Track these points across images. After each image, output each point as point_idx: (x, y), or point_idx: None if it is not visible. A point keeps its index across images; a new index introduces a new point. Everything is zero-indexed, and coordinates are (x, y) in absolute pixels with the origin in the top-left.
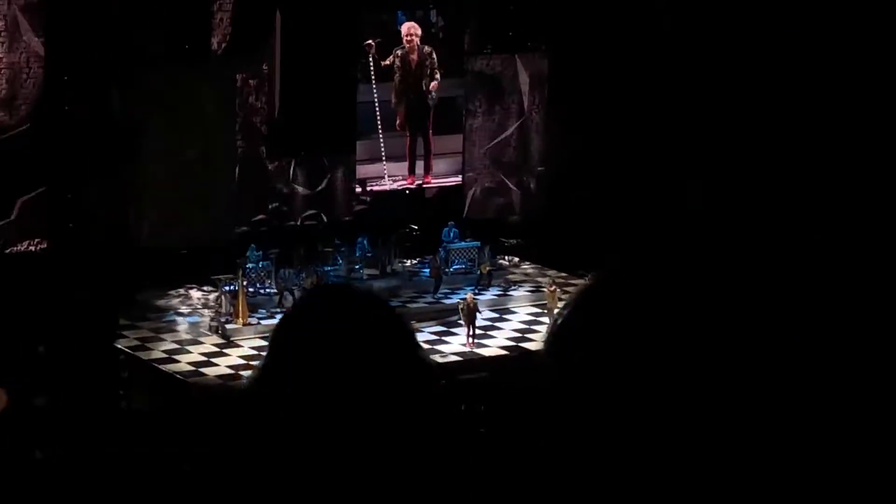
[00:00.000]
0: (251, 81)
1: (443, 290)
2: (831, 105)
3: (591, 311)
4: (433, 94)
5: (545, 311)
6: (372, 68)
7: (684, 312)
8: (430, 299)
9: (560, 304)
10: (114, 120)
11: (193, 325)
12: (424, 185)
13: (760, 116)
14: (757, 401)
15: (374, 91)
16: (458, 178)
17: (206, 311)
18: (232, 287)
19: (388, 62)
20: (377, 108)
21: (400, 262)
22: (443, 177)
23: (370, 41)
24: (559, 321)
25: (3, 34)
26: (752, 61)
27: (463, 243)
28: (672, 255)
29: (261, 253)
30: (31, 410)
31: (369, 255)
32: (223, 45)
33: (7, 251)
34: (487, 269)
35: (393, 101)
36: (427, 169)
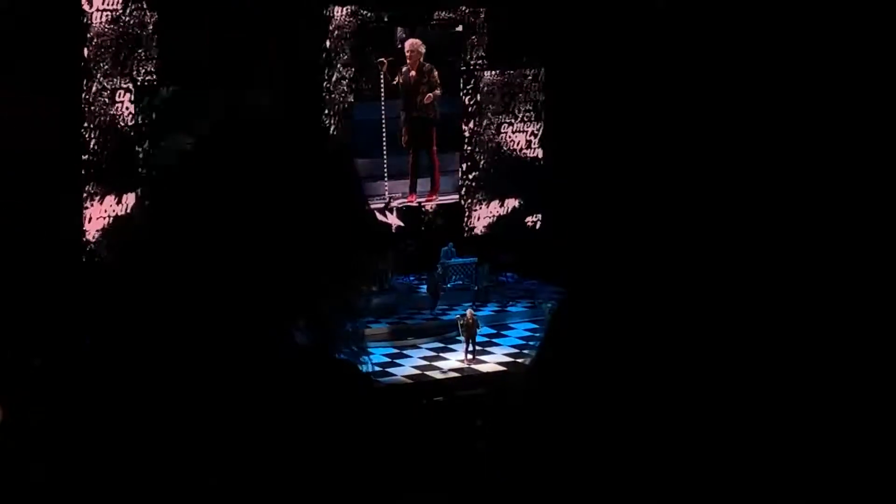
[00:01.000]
0: None
1: (441, 306)
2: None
3: (571, 322)
4: (435, 108)
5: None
6: (382, 86)
7: (668, 318)
8: (429, 315)
9: None
10: None
11: None
12: (419, 204)
13: (758, 130)
14: (746, 411)
15: (383, 109)
16: (456, 196)
17: None
18: None
19: (396, 81)
20: (384, 126)
21: (396, 278)
22: (444, 195)
23: (383, 59)
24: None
25: None
26: (752, 78)
27: (461, 259)
28: (657, 260)
29: None
30: (27, 425)
31: None
32: None
33: None
34: (485, 284)
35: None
36: (433, 187)
